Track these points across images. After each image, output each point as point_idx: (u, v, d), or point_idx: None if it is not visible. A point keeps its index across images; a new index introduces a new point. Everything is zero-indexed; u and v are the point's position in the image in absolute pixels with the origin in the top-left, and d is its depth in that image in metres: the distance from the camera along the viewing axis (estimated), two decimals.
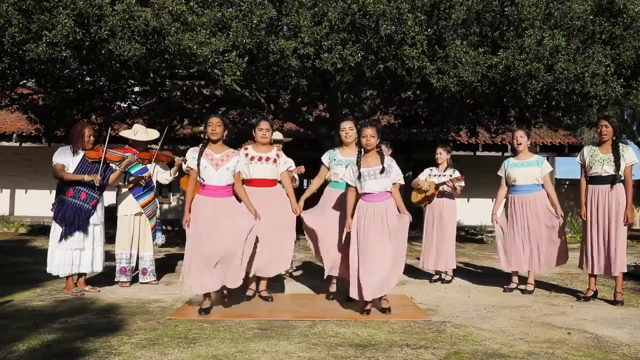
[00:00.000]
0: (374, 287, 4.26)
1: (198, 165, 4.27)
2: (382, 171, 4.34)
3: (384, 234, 4.30)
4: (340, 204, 4.77)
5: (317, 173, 5.05)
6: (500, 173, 5.61)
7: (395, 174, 4.41)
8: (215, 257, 4.18)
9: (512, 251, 5.44)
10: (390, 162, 4.42)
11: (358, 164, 4.38)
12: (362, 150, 4.44)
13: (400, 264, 4.44)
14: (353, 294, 4.35)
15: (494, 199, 5.79)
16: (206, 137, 4.37)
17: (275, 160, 4.88)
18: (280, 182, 4.97)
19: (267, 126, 4.87)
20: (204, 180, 4.28)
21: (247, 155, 4.84)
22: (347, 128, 4.86)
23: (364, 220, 4.34)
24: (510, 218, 5.47)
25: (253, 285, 4.97)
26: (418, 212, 5.85)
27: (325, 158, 4.93)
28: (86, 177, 4.93)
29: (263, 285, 4.94)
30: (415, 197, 6.18)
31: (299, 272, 6.16)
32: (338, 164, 4.84)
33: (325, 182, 5.05)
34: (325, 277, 4.89)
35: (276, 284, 5.53)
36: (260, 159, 4.84)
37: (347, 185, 4.47)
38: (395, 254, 4.35)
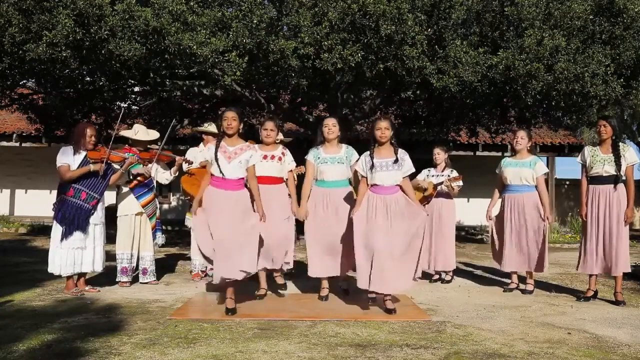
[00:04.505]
0: (383, 280, 4.27)
1: (216, 158, 4.27)
2: (395, 161, 4.36)
3: (393, 229, 4.30)
4: (328, 202, 4.79)
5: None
6: (498, 171, 5.66)
7: (407, 168, 4.43)
8: (220, 248, 4.18)
9: (503, 249, 5.51)
10: (403, 155, 4.43)
11: (372, 155, 4.39)
12: (376, 143, 4.45)
13: (413, 264, 4.38)
14: (362, 284, 4.33)
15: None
16: (222, 131, 4.38)
17: (280, 159, 4.92)
18: (286, 180, 5.01)
19: (271, 126, 4.92)
20: (220, 173, 4.28)
21: None
22: (330, 124, 4.86)
23: (374, 213, 4.34)
24: (501, 216, 5.53)
25: (265, 285, 4.98)
26: None
27: (310, 156, 4.91)
28: (92, 167, 4.96)
29: (278, 279, 5.02)
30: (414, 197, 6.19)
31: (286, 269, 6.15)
32: (322, 162, 4.83)
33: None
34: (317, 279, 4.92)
35: (276, 284, 5.53)
36: (265, 157, 4.88)
37: (360, 176, 4.48)
38: (407, 251, 4.33)
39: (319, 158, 4.85)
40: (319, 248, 4.81)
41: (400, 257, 4.31)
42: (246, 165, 4.34)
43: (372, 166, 4.36)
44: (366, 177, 4.43)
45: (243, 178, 4.36)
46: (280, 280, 4.97)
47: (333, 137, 4.86)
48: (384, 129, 4.39)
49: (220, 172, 4.28)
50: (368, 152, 4.46)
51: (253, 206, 4.43)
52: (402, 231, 4.32)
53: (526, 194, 5.39)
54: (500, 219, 5.58)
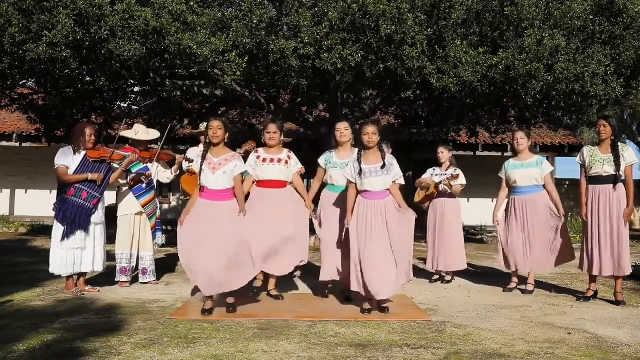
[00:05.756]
0: (379, 286, 4.26)
1: (200, 168, 4.29)
2: (383, 167, 4.35)
3: (384, 233, 4.30)
4: (339, 207, 4.78)
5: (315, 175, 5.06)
6: (501, 175, 5.60)
7: (396, 172, 4.43)
8: (213, 261, 4.17)
9: (512, 251, 5.44)
10: (391, 160, 4.43)
11: (359, 160, 4.39)
12: (363, 148, 4.45)
13: (406, 263, 4.40)
14: (354, 286, 4.33)
15: (494, 199, 5.80)
16: (208, 140, 4.38)
17: (287, 162, 4.91)
18: (291, 183, 5.00)
19: (274, 129, 4.90)
20: (203, 184, 4.30)
21: (258, 157, 4.89)
22: (343, 128, 4.87)
23: (365, 219, 4.34)
24: (511, 219, 5.47)
25: (262, 276, 4.97)
26: (422, 213, 5.85)
27: (321, 160, 4.93)
28: (89, 176, 4.96)
29: (272, 284, 4.97)
30: (418, 196, 6.20)
31: (298, 272, 6.16)
32: (333, 166, 4.84)
33: (322, 185, 5.06)
34: (320, 281, 4.90)
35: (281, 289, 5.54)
36: (272, 160, 4.87)
37: (348, 182, 4.48)
38: (399, 253, 4.34)
39: (330, 162, 4.86)
40: (329, 249, 4.79)
41: (393, 261, 4.31)
42: (232, 176, 4.32)
43: (361, 172, 4.36)
44: (355, 183, 4.43)
45: (230, 189, 4.34)
46: (274, 292, 4.94)
47: (346, 141, 4.86)
48: (371, 134, 4.38)
49: (207, 183, 4.28)
50: (356, 158, 4.46)
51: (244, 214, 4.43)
52: (394, 235, 4.32)
53: (537, 194, 5.35)
54: (508, 222, 5.52)
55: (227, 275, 4.20)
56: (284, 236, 4.77)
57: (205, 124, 6.06)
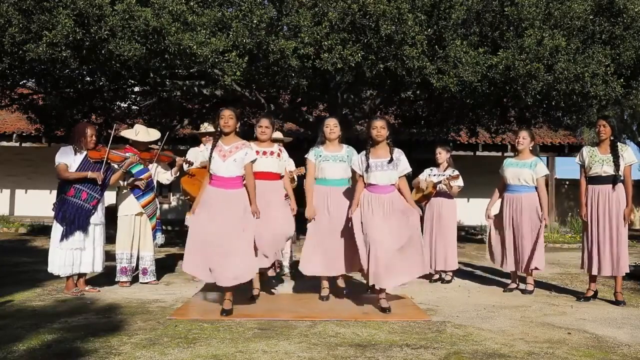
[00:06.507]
0: (385, 275, 4.28)
1: (210, 157, 4.31)
2: (390, 161, 4.37)
3: (386, 227, 4.31)
4: (329, 202, 4.79)
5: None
6: (500, 171, 5.65)
7: (403, 167, 4.44)
8: (214, 249, 4.16)
9: (500, 248, 5.52)
10: (399, 155, 4.45)
11: (367, 155, 4.41)
12: (372, 142, 4.46)
13: (417, 258, 4.42)
14: (374, 280, 4.34)
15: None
16: (219, 130, 4.39)
17: (279, 155, 4.92)
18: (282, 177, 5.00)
19: (266, 123, 4.93)
20: (212, 172, 4.31)
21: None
22: (332, 124, 4.88)
23: (368, 211, 4.37)
24: (501, 216, 5.53)
25: (258, 284, 4.97)
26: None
27: (311, 155, 4.91)
28: (89, 174, 4.95)
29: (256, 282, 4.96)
30: (415, 195, 6.20)
31: (288, 272, 6.16)
32: (325, 159, 4.84)
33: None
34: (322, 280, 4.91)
35: (276, 283, 5.54)
36: (264, 153, 4.88)
37: (357, 175, 4.51)
38: (405, 248, 4.35)
39: (320, 156, 4.86)
40: (315, 247, 4.80)
41: (399, 252, 4.32)
42: (242, 164, 4.32)
43: (368, 166, 4.38)
44: (362, 176, 4.45)
45: (240, 177, 4.34)
46: (256, 291, 4.89)
47: (335, 137, 4.87)
48: (379, 128, 4.41)
49: (217, 171, 4.29)
50: (364, 152, 4.47)
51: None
52: (399, 227, 4.34)
53: (525, 194, 5.38)
54: (499, 219, 5.59)
55: (218, 267, 4.16)
56: (274, 230, 4.76)
57: (206, 124, 6.09)
